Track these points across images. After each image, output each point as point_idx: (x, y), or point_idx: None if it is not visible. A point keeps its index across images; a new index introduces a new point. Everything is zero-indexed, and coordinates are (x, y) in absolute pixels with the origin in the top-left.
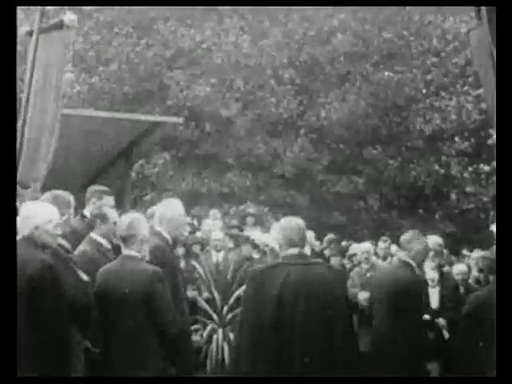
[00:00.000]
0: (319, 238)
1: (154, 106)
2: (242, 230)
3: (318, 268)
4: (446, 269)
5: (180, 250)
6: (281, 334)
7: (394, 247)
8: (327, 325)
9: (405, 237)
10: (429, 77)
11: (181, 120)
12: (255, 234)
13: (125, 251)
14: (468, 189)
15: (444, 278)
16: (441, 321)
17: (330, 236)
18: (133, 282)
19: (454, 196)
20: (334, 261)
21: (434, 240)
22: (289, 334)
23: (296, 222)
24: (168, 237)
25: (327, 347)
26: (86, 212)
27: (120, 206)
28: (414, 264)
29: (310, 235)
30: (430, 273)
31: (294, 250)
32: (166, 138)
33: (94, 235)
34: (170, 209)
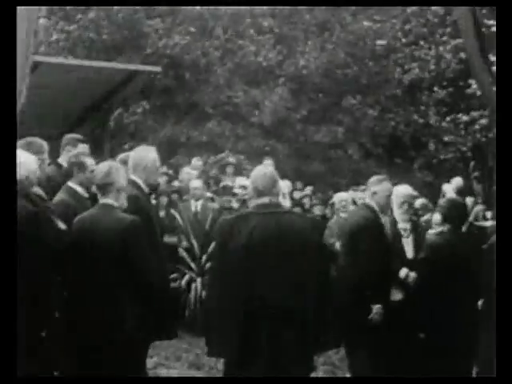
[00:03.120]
0: (299, 187)
1: (132, 54)
2: (220, 180)
3: (288, 217)
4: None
5: (163, 200)
6: (250, 284)
7: None
8: (297, 273)
9: (370, 180)
10: (408, 26)
11: (159, 69)
12: (239, 179)
13: (102, 200)
14: (446, 138)
15: (415, 226)
16: (411, 275)
17: (311, 187)
18: (110, 230)
19: (432, 145)
20: (317, 210)
21: (407, 191)
22: (258, 284)
23: (267, 170)
24: (143, 185)
25: (298, 296)
26: (61, 160)
27: (99, 155)
28: (375, 206)
29: (287, 184)
30: (402, 223)
31: (265, 199)
32: (144, 86)
33: (71, 184)
34: (144, 156)
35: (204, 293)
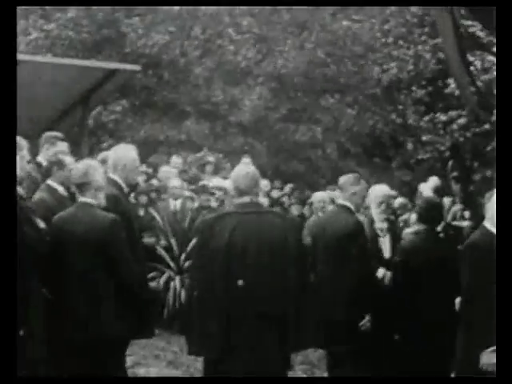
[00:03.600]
0: (278, 186)
1: (111, 53)
2: (200, 179)
3: (269, 216)
4: (392, 217)
5: (142, 199)
6: (230, 284)
7: None
8: (278, 273)
9: (343, 180)
10: (386, 26)
11: (138, 67)
12: (216, 180)
13: (81, 198)
14: (425, 138)
15: (392, 225)
16: (387, 274)
17: (291, 185)
18: (90, 229)
19: (410, 145)
20: (294, 209)
21: (385, 190)
22: (238, 284)
23: (248, 170)
24: (123, 184)
25: (278, 295)
26: (41, 159)
27: (77, 154)
28: (352, 207)
29: (264, 183)
30: (379, 223)
31: (246, 199)
32: (123, 85)
33: (50, 182)
34: (124, 154)
35: (183, 291)
